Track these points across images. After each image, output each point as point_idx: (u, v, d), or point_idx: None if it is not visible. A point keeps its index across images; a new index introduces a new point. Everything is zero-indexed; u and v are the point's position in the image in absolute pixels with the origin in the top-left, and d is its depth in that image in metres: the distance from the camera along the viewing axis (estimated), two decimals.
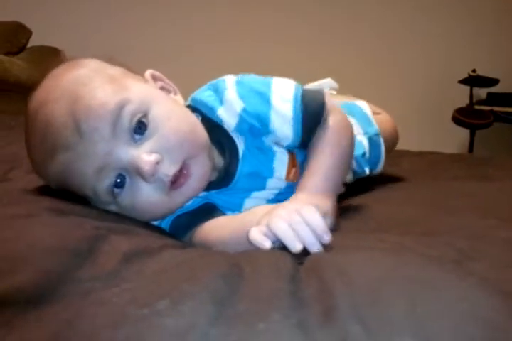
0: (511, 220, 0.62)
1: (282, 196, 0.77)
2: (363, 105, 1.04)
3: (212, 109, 0.73)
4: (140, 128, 0.64)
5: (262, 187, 0.76)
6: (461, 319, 0.34)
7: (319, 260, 0.46)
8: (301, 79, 0.79)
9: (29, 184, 0.74)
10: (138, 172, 0.62)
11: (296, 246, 0.50)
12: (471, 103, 2.70)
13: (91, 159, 0.62)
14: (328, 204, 0.69)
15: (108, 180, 0.63)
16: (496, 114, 2.62)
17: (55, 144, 0.62)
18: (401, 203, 0.81)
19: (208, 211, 0.73)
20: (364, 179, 0.96)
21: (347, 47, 2.80)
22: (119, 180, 0.64)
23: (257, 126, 0.72)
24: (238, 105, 0.72)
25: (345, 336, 0.33)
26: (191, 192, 0.68)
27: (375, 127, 0.98)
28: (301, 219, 0.52)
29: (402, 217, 0.68)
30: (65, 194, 0.66)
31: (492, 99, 2.74)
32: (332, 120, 0.75)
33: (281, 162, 0.76)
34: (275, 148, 0.76)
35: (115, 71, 0.69)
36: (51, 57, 2.18)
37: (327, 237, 0.51)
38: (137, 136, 0.64)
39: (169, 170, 0.64)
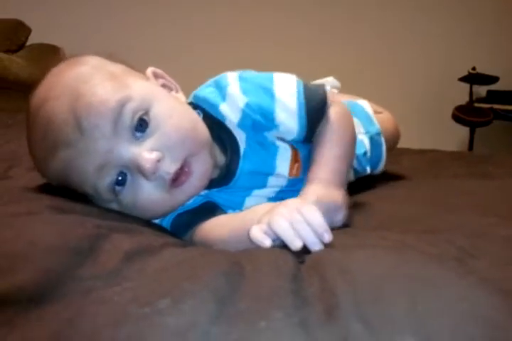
0: (511, 218, 0.63)
1: (283, 194, 0.77)
2: (365, 104, 1.04)
3: (215, 105, 0.73)
4: (141, 125, 0.64)
5: (263, 185, 0.76)
6: (461, 317, 0.34)
7: (321, 258, 0.46)
8: (301, 78, 0.79)
9: (29, 182, 0.74)
10: (139, 170, 0.62)
11: (295, 244, 0.50)
12: (471, 101, 2.70)
13: (92, 156, 0.62)
14: (341, 196, 0.69)
15: (109, 177, 0.63)
16: (495, 111, 2.62)
17: (55, 141, 0.62)
18: (402, 201, 0.81)
19: (208, 209, 0.73)
20: (365, 177, 0.96)
21: (347, 46, 2.79)
22: (120, 178, 0.64)
23: (260, 120, 0.72)
24: (241, 100, 0.71)
25: (346, 334, 0.33)
26: (193, 190, 0.68)
27: (377, 126, 0.99)
28: (301, 218, 0.52)
29: (403, 215, 0.68)
30: (66, 192, 0.66)
31: (492, 96, 2.74)
32: (333, 112, 0.76)
33: (283, 157, 0.76)
34: (278, 143, 0.76)
35: (116, 68, 0.69)
36: (50, 55, 2.17)
37: (328, 236, 0.51)
38: (138, 134, 0.64)
39: (170, 167, 0.64)
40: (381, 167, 1.00)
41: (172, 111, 0.67)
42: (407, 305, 0.35)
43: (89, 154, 0.62)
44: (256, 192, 0.76)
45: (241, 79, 0.74)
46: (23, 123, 0.70)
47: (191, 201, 0.72)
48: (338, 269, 0.41)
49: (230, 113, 0.72)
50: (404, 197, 0.85)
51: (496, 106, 2.65)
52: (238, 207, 0.75)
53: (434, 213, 0.69)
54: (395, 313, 0.35)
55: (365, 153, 0.92)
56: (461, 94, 2.71)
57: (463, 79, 2.65)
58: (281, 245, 0.52)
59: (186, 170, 0.66)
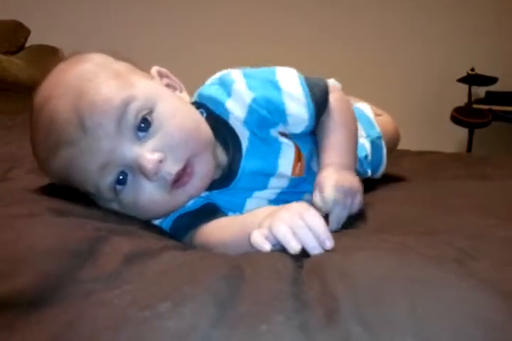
0: (510, 219, 0.63)
1: (284, 195, 0.77)
2: (365, 108, 1.04)
3: (220, 102, 0.73)
4: (144, 125, 0.63)
5: (264, 187, 0.76)
6: (461, 319, 0.35)
7: (321, 261, 0.46)
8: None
9: (29, 184, 0.74)
10: (141, 170, 0.62)
11: (293, 247, 0.50)
12: (470, 102, 2.70)
13: (95, 155, 0.62)
14: (356, 179, 0.71)
15: (111, 176, 0.63)
16: (494, 112, 2.62)
17: (58, 140, 0.62)
18: (402, 203, 0.81)
19: (209, 211, 0.72)
20: (366, 179, 0.96)
21: (346, 47, 2.79)
22: (121, 177, 0.64)
23: (267, 116, 0.72)
24: (248, 96, 0.72)
25: (347, 337, 0.33)
26: (194, 191, 0.68)
27: (377, 130, 0.99)
28: (303, 224, 0.52)
29: (403, 217, 0.68)
30: (66, 194, 0.66)
31: (491, 97, 2.74)
32: (333, 98, 0.78)
33: (286, 155, 0.76)
34: (281, 140, 0.76)
35: (120, 66, 0.69)
36: (50, 56, 2.17)
37: (330, 243, 0.51)
38: (141, 134, 0.64)
39: (172, 168, 0.64)
40: (381, 170, 1.00)
41: (176, 112, 0.66)
42: (407, 307, 0.35)
43: (92, 153, 0.62)
44: (257, 193, 0.76)
45: (246, 75, 0.74)
46: (23, 125, 0.70)
47: (192, 203, 0.72)
48: (338, 272, 0.41)
49: (236, 109, 0.72)
50: (404, 199, 0.85)
51: (494, 107, 2.64)
52: (239, 209, 0.75)
53: (433, 215, 0.69)
54: (395, 315, 0.35)
55: (366, 157, 0.93)
56: (459, 95, 2.71)
57: (462, 80, 2.65)
58: (281, 250, 0.52)
59: (189, 170, 0.66)
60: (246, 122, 0.72)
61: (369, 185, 0.97)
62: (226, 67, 0.78)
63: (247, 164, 0.73)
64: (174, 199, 0.67)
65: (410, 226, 0.63)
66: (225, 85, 0.73)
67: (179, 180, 0.65)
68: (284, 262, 0.46)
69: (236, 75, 0.74)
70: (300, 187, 0.78)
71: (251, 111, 0.72)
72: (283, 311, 0.36)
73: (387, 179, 1.04)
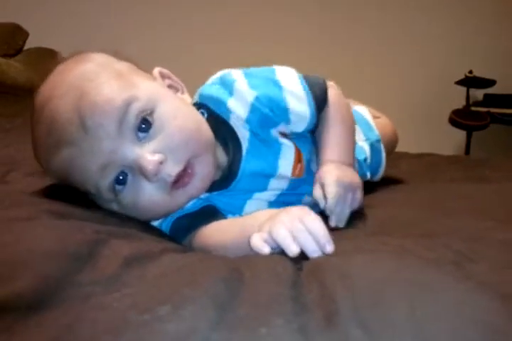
0: (508, 222, 0.63)
1: (284, 197, 0.77)
2: (363, 111, 1.05)
3: (222, 102, 0.73)
4: (144, 126, 0.64)
5: (264, 188, 0.76)
6: (460, 322, 0.35)
7: (320, 264, 0.46)
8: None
9: (28, 187, 0.73)
10: (141, 171, 0.62)
11: (292, 249, 0.50)
12: (468, 104, 2.70)
13: (95, 156, 0.62)
14: (356, 174, 0.72)
15: (111, 176, 0.63)
16: (492, 115, 2.62)
17: (59, 140, 0.62)
18: (401, 205, 0.81)
19: (209, 213, 0.72)
20: (365, 182, 0.96)
21: (345, 49, 2.80)
22: (121, 177, 0.64)
23: (269, 114, 0.72)
24: (250, 95, 0.72)
25: (346, 340, 0.33)
26: (195, 192, 0.68)
27: (376, 133, 1.00)
28: (303, 227, 0.52)
29: (402, 219, 0.68)
30: (65, 196, 0.66)
31: (489, 100, 2.74)
32: (331, 95, 0.78)
33: (286, 156, 0.76)
34: (281, 140, 0.76)
35: (122, 66, 0.69)
36: (48, 59, 2.17)
37: (330, 247, 0.51)
38: (141, 134, 0.64)
39: (173, 170, 0.64)
40: (381, 173, 1.01)
41: (177, 113, 0.66)
42: (406, 310, 0.35)
43: (92, 153, 0.62)
44: (257, 195, 0.76)
45: (246, 74, 0.74)
46: (21, 128, 0.70)
47: (191, 204, 0.72)
48: (338, 275, 0.41)
49: (238, 108, 0.72)
50: (402, 201, 0.85)
51: (492, 109, 2.65)
52: (238, 211, 0.75)
53: (431, 217, 0.69)
54: (394, 318, 0.35)
55: (365, 159, 0.93)
56: (458, 98, 2.71)
57: (460, 82, 2.65)
58: (281, 252, 0.52)
59: (189, 171, 0.66)
60: (248, 121, 0.72)
61: (368, 187, 0.97)
62: (226, 67, 0.78)
63: (247, 165, 0.73)
64: (174, 200, 0.67)
65: (409, 228, 0.63)
66: (226, 85, 0.73)
67: (179, 180, 0.65)
68: (283, 265, 0.46)
69: (237, 75, 0.74)
70: (300, 189, 0.78)
71: (253, 109, 0.72)
72: (282, 314, 0.36)
73: (386, 181, 1.04)
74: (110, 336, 0.35)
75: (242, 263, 0.47)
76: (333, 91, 0.79)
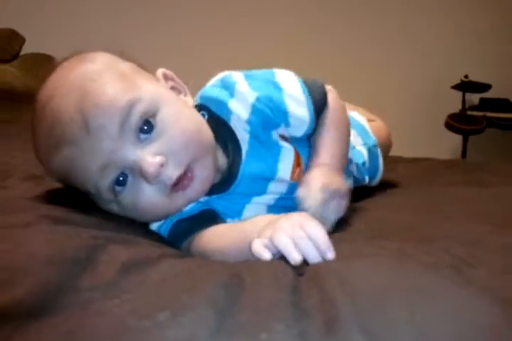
0: (506, 226, 0.63)
1: (283, 201, 0.77)
2: (359, 117, 1.05)
3: (223, 103, 0.73)
4: (146, 127, 0.63)
5: (263, 192, 0.76)
6: (460, 326, 0.35)
7: (320, 269, 0.46)
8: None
9: (25, 192, 0.73)
10: (141, 173, 0.62)
11: (295, 258, 0.50)
12: (464, 108, 2.72)
13: (96, 156, 0.62)
14: (344, 182, 0.71)
15: (111, 177, 0.63)
16: (488, 119, 2.63)
17: (61, 139, 0.62)
18: (399, 209, 0.81)
19: (208, 217, 0.72)
20: (363, 186, 0.97)
21: (342, 53, 2.80)
22: (121, 178, 0.63)
23: (270, 115, 0.72)
24: (251, 96, 0.72)
25: None
26: (194, 195, 0.68)
27: (373, 138, 1.00)
28: (304, 234, 0.52)
29: (401, 223, 0.68)
30: (63, 201, 0.66)
31: (484, 104, 2.75)
32: (330, 99, 0.79)
33: (286, 159, 0.76)
34: (281, 143, 0.76)
35: (126, 67, 0.68)
36: (45, 65, 2.16)
37: (331, 254, 0.51)
38: (143, 136, 0.63)
39: (173, 173, 0.64)
40: (378, 178, 1.01)
41: (179, 116, 0.66)
42: (406, 315, 0.35)
43: (93, 153, 0.61)
44: (255, 199, 0.76)
45: (247, 76, 0.74)
46: (17, 135, 0.70)
47: (190, 208, 0.72)
48: (338, 280, 0.41)
49: (240, 109, 0.72)
50: (400, 205, 0.85)
51: (488, 113, 2.66)
52: (237, 215, 0.75)
53: (430, 221, 0.69)
54: (395, 323, 0.35)
55: (363, 164, 0.93)
56: (454, 102, 2.73)
57: (456, 87, 2.66)
58: (281, 258, 0.52)
59: (189, 175, 0.66)
60: (249, 122, 0.72)
61: (366, 191, 0.97)
62: (226, 68, 0.78)
63: (247, 168, 0.73)
64: (173, 202, 0.67)
65: (407, 232, 0.63)
66: (227, 86, 0.73)
67: (179, 183, 0.65)
68: (283, 270, 0.46)
69: (238, 77, 0.74)
70: None
71: (255, 111, 0.72)
72: (283, 320, 0.36)
73: (384, 185, 1.04)
74: None
75: (242, 269, 0.47)
76: (332, 96, 0.79)
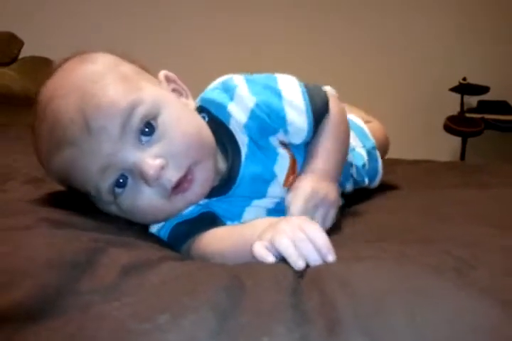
0: (507, 228, 0.63)
1: (282, 205, 0.76)
2: (357, 120, 1.05)
3: (223, 105, 0.73)
4: (147, 129, 0.63)
5: (263, 195, 0.76)
6: (461, 328, 0.35)
7: (320, 272, 0.46)
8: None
9: (25, 195, 0.73)
10: (141, 175, 0.62)
11: (299, 265, 0.50)
12: (462, 111, 2.72)
13: (96, 157, 0.61)
14: (335, 190, 0.71)
15: (111, 179, 0.63)
16: (486, 121, 2.64)
17: (61, 140, 0.62)
18: (398, 211, 0.81)
19: (208, 220, 0.72)
20: (362, 188, 0.97)
21: (340, 55, 2.81)
22: (121, 180, 0.63)
23: (268, 121, 0.72)
24: (251, 100, 0.72)
25: None
26: (194, 197, 0.68)
27: (372, 141, 1.01)
28: (304, 237, 0.52)
29: (402, 226, 0.68)
30: (63, 204, 0.66)
31: (483, 106, 2.76)
32: (332, 107, 0.78)
33: (282, 166, 0.75)
34: (279, 150, 0.76)
35: (128, 69, 0.68)
36: (43, 68, 2.16)
37: (332, 257, 0.50)
38: (144, 138, 0.63)
39: (173, 176, 0.63)
40: (378, 180, 1.01)
41: (180, 119, 0.66)
42: (407, 317, 0.35)
43: (94, 155, 0.61)
44: (256, 202, 0.76)
45: (248, 80, 0.74)
46: (17, 138, 0.70)
47: (190, 210, 0.72)
48: (338, 282, 0.41)
49: (239, 113, 0.72)
50: (400, 207, 0.85)
51: (487, 116, 2.67)
52: (237, 218, 0.75)
53: (430, 223, 0.69)
54: (396, 325, 0.35)
55: (363, 165, 0.93)
56: (452, 105, 2.73)
57: (454, 89, 2.67)
58: (281, 260, 0.52)
59: (189, 177, 0.65)
60: (247, 127, 0.72)
61: (365, 193, 0.97)
62: (226, 69, 0.78)
63: (246, 170, 0.73)
64: (173, 205, 0.66)
65: (407, 234, 0.63)
66: (228, 90, 0.73)
67: (179, 186, 0.65)
68: (284, 273, 0.46)
69: (238, 80, 0.74)
70: None
71: (253, 116, 0.72)
72: (284, 323, 0.36)
73: (383, 187, 1.04)
74: None
75: (243, 271, 0.46)
76: (334, 104, 0.79)
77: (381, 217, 0.78)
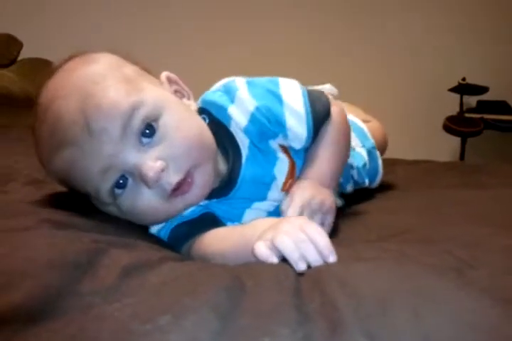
0: (506, 228, 0.63)
1: None
2: (357, 120, 1.05)
3: (223, 108, 0.72)
4: (148, 131, 0.63)
5: (263, 198, 0.76)
6: (462, 328, 0.35)
7: (321, 272, 0.46)
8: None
9: (26, 196, 0.73)
10: (141, 177, 0.62)
11: (300, 266, 0.49)
12: (462, 111, 2.72)
13: (97, 159, 0.61)
14: (332, 197, 0.70)
15: (111, 180, 0.63)
16: (486, 121, 2.64)
17: (62, 140, 0.62)
18: (398, 211, 0.81)
19: (208, 221, 0.72)
20: (363, 188, 0.97)
21: (339, 55, 2.81)
22: (121, 181, 0.63)
23: (268, 126, 0.72)
24: (251, 104, 0.71)
25: None
26: (194, 199, 0.68)
27: (372, 141, 1.01)
28: (306, 237, 0.51)
29: (401, 226, 0.68)
30: (64, 205, 0.66)
31: (482, 106, 2.76)
32: (334, 113, 0.77)
33: (281, 170, 0.75)
34: (278, 154, 0.75)
35: (130, 70, 0.68)
36: (42, 70, 2.16)
37: (333, 258, 0.50)
38: (145, 140, 0.63)
39: (173, 178, 0.63)
40: (378, 180, 1.01)
41: (182, 121, 0.66)
42: (409, 318, 0.35)
43: (94, 156, 0.61)
44: (256, 204, 0.76)
45: (249, 84, 0.74)
46: (18, 139, 0.70)
47: (190, 211, 0.72)
48: (339, 283, 0.41)
49: (239, 116, 0.72)
50: (399, 208, 0.85)
51: (486, 116, 2.67)
52: (237, 219, 0.75)
53: (429, 223, 0.69)
54: (398, 326, 0.35)
55: (364, 165, 0.93)
56: (451, 105, 2.73)
57: (453, 89, 2.67)
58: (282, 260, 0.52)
59: (189, 180, 0.65)
60: (246, 130, 0.72)
61: (365, 193, 0.97)
62: (226, 69, 0.78)
63: (247, 172, 0.73)
64: (172, 206, 0.66)
65: (407, 235, 0.63)
66: (229, 92, 0.73)
67: (179, 188, 0.65)
68: (285, 273, 0.46)
69: (240, 83, 0.74)
70: None
71: (253, 119, 0.71)
72: (286, 323, 0.35)
73: (383, 187, 1.04)
74: None
75: (244, 272, 0.46)
76: (336, 111, 0.78)
77: (381, 217, 0.78)
